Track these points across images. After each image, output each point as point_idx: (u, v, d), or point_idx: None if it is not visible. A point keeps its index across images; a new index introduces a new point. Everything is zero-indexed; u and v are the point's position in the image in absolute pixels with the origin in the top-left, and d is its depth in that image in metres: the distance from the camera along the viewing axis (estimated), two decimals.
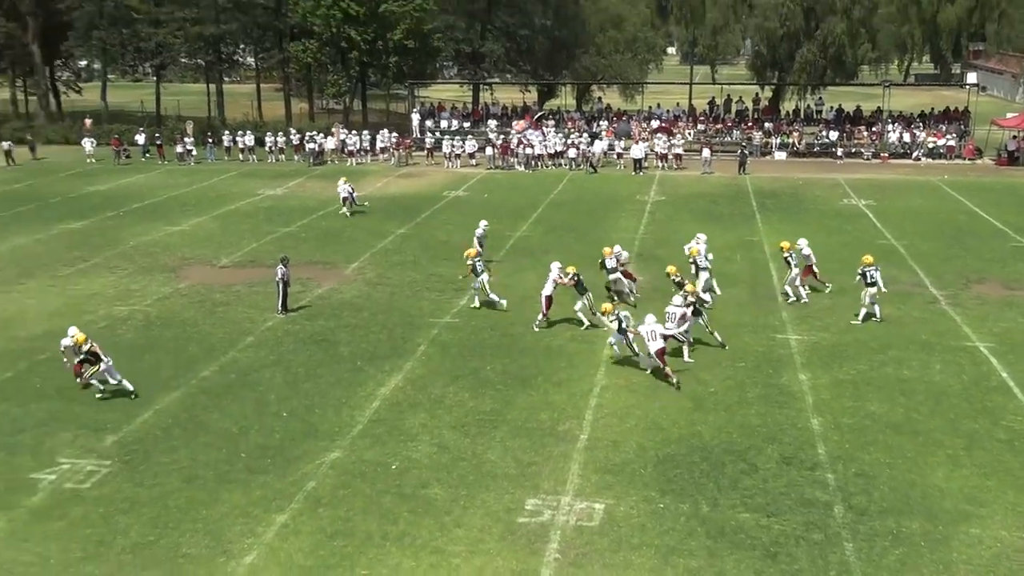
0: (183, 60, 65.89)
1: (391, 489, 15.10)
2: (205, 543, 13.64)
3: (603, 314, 21.14)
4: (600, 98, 64.87)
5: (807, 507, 14.43)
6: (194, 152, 50.34)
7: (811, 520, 14.07)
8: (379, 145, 50.63)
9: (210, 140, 51.57)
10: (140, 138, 52.37)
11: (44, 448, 16.64)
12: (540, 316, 22.80)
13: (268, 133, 52.00)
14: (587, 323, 22.61)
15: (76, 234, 33.31)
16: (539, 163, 48.31)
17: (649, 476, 15.47)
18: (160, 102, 63.48)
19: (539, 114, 56.59)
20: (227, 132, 52.63)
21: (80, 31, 60.96)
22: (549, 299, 22.74)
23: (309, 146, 49.88)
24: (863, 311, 22.87)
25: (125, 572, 12.96)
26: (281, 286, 23.86)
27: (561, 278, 22.74)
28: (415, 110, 57.50)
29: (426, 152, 50.75)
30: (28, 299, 25.46)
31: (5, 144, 50.79)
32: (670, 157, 47.95)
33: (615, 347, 20.25)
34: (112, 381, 18.90)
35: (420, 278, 27.31)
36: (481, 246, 27.59)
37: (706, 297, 23.54)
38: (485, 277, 24.26)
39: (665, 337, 19.47)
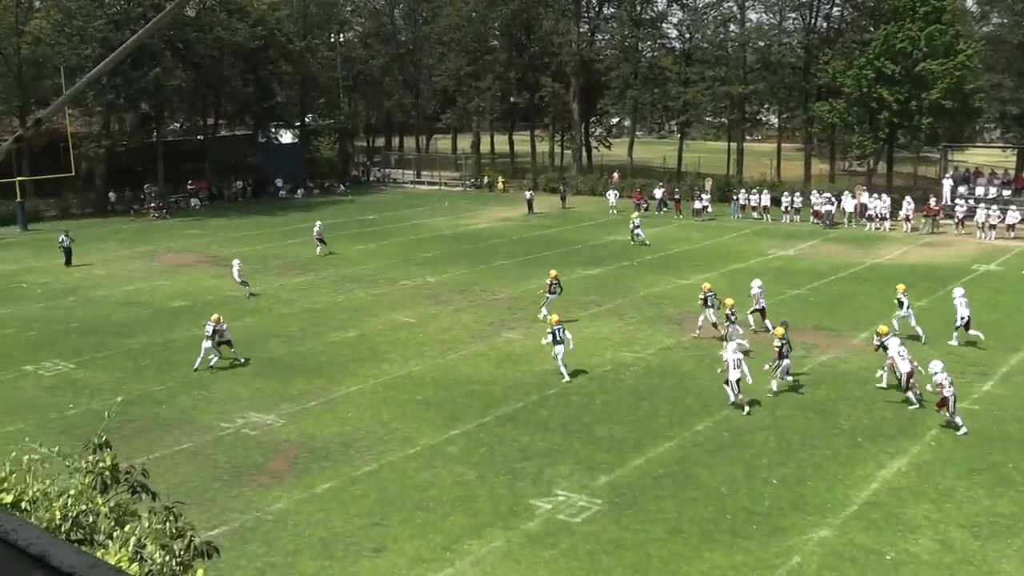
0: (707, 118, 68.32)
1: None
2: None
3: (556, 324, 23.98)
4: None
5: None
6: (710, 209, 51.77)
7: None
8: (903, 212, 48.23)
9: (735, 198, 52.74)
10: (658, 192, 55.03)
11: (544, 477, 17.91)
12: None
13: (785, 193, 51.95)
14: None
15: (592, 280, 35.73)
16: None
17: None
18: (681, 159, 66.32)
19: None
20: (743, 190, 53.48)
21: (615, 91, 65.79)
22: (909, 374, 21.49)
23: (826, 208, 48.99)
24: None
25: None
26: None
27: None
28: (947, 175, 53.99)
29: (955, 221, 47.37)
30: (544, 338, 27.69)
31: (527, 194, 56.16)
32: None
33: (557, 359, 23.42)
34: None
35: (937, 355, 25.36)
36: None
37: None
38: None
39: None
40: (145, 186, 58.20)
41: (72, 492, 6.13)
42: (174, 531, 6.16)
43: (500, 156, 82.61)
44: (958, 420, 20.02)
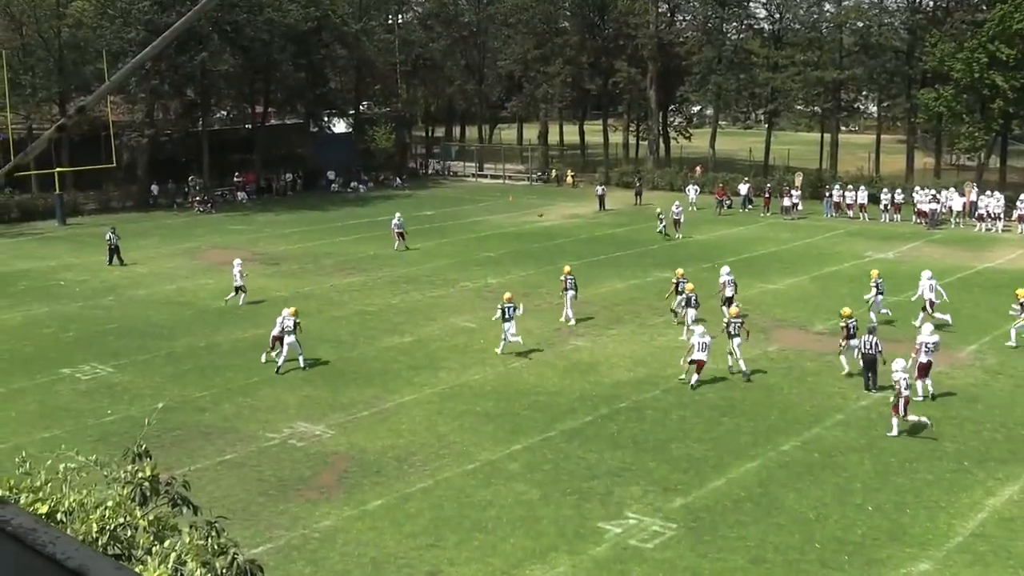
0: (798, 107, 67.64)
1: None
2: None
3: (507, 302, 26.60)
4: None
5: None
6: (800, 206, 51.22)
7: None
8: (1017, 211, 47.22)
9: (828, 194, 52.13)
10: (743, 188, 54.56)
11: (613, 499, 17.88)
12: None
13: (884, 189, 51.21)
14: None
15: (669, 283, 35.43)
16: None
17: None
18: (769, 151, 65.69)
19: None
20: (838, 186, 52.83)
21: (697, 76, 65.42)
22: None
23: (930, 206, 48.21)
24: None
25: None
26: (866, 362, 23.36)
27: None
28: None
29: None
30: (616, 344, 27.68)
31: (599, 189, 56.03)
32: None
33: (506, 336, 26.36)
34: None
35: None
36: None
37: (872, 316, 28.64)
38: None
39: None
40: (189, 178, 59.27)
41: (110, 504, 6.28)
42: (216, 548, 6.28)
43: (570, 148, 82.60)
44: (894, 422, 20.74)
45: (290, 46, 62.03)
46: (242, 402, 23.42)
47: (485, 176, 72.03)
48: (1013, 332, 27.25)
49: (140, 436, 7.34)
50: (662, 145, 70.53)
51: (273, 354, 26.04)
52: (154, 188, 58.89)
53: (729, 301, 29.09)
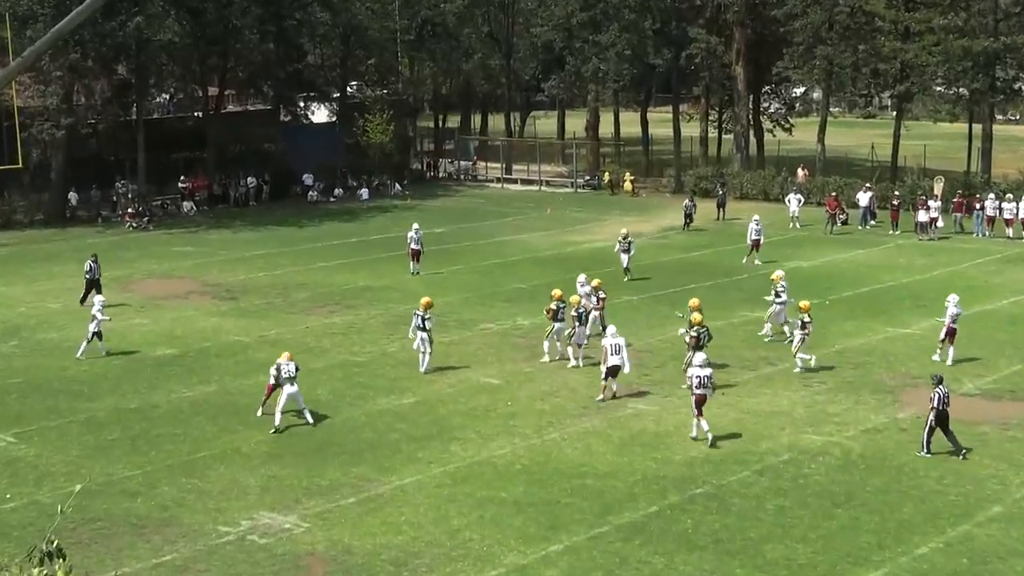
0: (938, 88, 67.35)
1: None
2: None
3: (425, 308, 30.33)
4: None
5: None
6: (940, 222, 50.92)
7: None
8: None
9: (979, 206, 51.82)
10: (863, 198, 54.31)
11: None
12: None
13: None
14: None
15: (759, 325, 35.32)
16: None
17: None
18: (898, 148, 65.38)
19: None
20: (992, 195, 52.54)
21: (800, 48, 65.15)
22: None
23: None
24: None
25: None
26: (939, 419, 23.61)
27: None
28: None
29: None
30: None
31: (688, 203, 55.60)
32: None
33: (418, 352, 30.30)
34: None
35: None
36: None
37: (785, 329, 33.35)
38: None
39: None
40: (119, 183, 59.65)
41: None
42: None
43: (628, 143, 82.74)
44: (703, 425, 24.96)
45: (255, 7, 62.38)
46: (186, 484, 23.43)
47: (514, 181, 72.25)
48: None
49: (51, 529, 7.37)
50: (753, 140, 70.45)
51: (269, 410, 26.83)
52: (72, 196, 59.34)
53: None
